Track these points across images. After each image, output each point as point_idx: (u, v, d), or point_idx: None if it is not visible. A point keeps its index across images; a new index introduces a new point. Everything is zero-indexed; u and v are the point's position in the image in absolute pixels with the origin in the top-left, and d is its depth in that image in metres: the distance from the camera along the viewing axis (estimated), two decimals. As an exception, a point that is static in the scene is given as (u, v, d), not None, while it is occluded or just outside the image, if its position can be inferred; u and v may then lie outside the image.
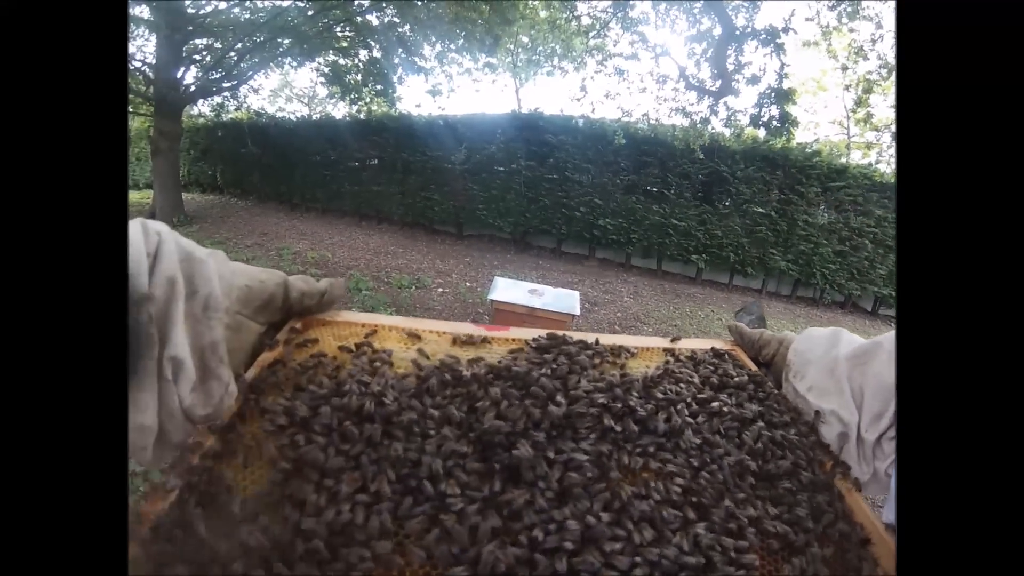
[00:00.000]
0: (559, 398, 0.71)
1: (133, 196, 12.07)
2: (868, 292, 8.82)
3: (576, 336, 0.89)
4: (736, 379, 0.86)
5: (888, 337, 0.78)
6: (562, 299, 4.43)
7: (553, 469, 0.61)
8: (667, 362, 0.90)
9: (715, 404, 0.78)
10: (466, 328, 0.90)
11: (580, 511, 0.57)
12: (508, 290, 4.46)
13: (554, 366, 0.78)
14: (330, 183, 10.93)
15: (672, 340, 0.98)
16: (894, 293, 8.63)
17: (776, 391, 0.87)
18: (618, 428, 0.69)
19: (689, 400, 0.77)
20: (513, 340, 0.89)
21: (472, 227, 9.87)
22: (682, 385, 0.82)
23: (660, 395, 0.77)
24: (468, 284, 7.01)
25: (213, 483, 0.55)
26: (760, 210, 8.61)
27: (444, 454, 0.60)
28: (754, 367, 0.95)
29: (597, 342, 0.90)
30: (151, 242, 0.59)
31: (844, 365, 0.80)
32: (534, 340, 0.87)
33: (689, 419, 0.73)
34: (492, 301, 4.29)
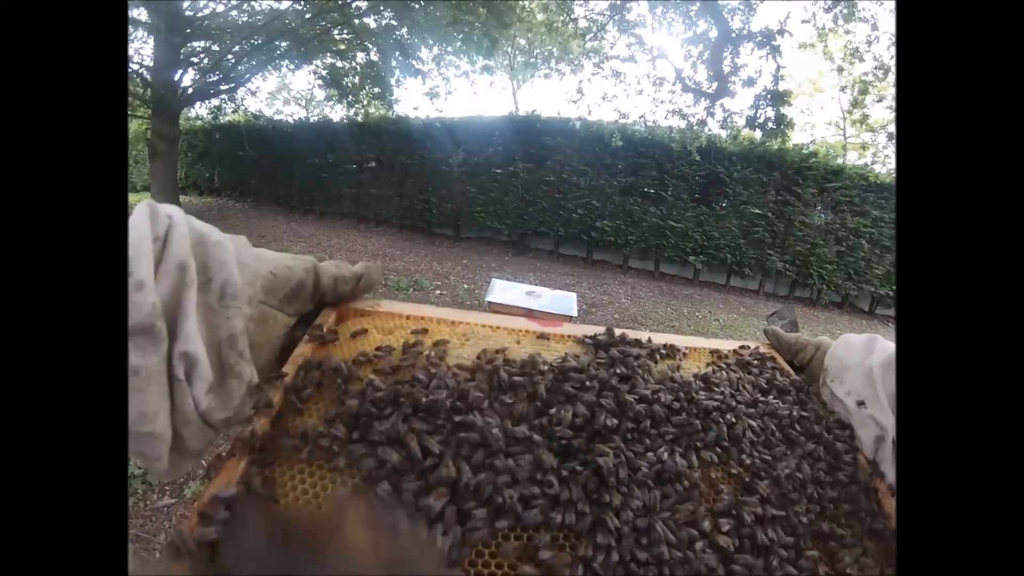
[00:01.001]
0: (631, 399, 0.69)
1: (131, 199, 12.05)
2: (865, 292, 8.85)
3: (632, 335, 0.86)
4: (780, 382, 0.87)
5: None
6: (560, 301, 4.43)
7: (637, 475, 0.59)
8: (714, 362, 0.90)
9: (772, 406, 0.79)
10: (521, 323, 0.84)
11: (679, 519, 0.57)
12: (506, 292, 4.47)
13: (622, 368, 0.75)
14: (328, 186, 10.93)
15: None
16: (891, 293, 8.67)
17: (817, 395, 0.88)
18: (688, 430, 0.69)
19: (745, 403, 0.78)
20: (569, 337, 0.84)
21: (470, 229, 9.88)
22: (741, 387, 0.82)
23: (718, 398, 0.76)
24: (466, 286, 7.02)
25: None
26: (757, 211, 8.64)
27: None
28: (791, 371, 0.95)
29: (650, 340, 0.88)
30: (159, 225, 0.53)
31: (878, 371, 0.79)
32: (590, 338, 0.83)
33: (750, 422, 0.74)
34: (489, 303, 4.29)
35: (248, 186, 12.46)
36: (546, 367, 0.70)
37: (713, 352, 0.93)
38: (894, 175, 9.03)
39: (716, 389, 0.79)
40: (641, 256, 9.24)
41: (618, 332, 0.85)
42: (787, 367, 0.96)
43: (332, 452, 0.53)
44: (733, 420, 0.72)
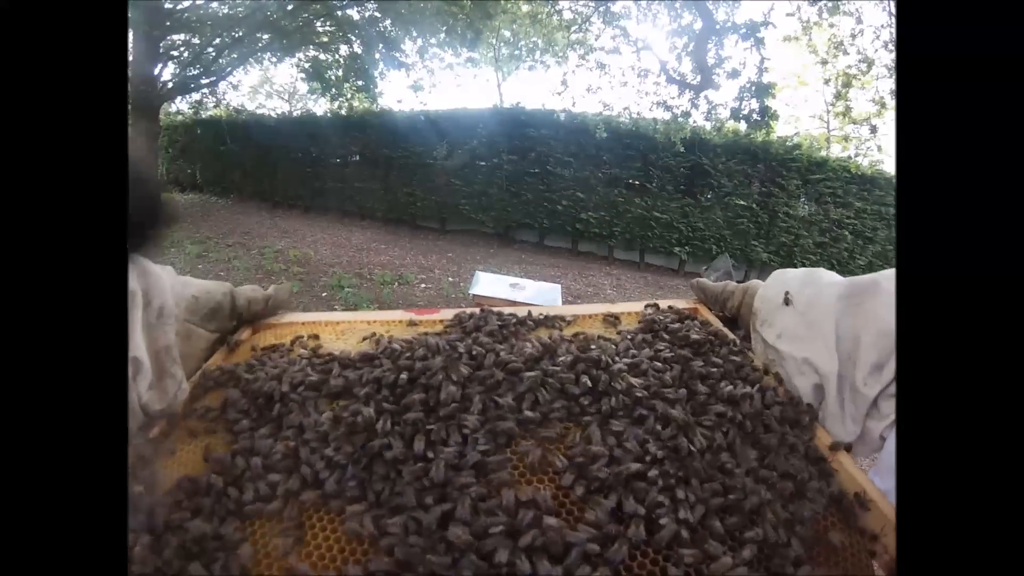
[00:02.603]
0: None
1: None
2: (848, 283, 8.92)
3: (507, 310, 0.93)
4: (695, 338, 0.83)
5: (887, 275, 0.70)
6: (544, 293, 4.43)
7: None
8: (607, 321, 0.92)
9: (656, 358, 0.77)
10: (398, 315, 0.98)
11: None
12: (490, 285, 4.46)
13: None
14: (312, 180, 10.82)
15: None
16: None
17: (740, 345, 0.84)
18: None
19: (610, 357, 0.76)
20: (439, 321, 0.94)
21: (455, 222, 9.84)
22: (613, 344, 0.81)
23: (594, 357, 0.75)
24: (451, 279, 6.98)
25: None
26: (742, 202, 8.69)
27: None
28: (719, 324, 0.92)
29: (536, 315, 0.92)
30: None
31: (833, 306, 0.73)
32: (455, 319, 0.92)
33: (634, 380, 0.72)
34: (474, 296, 4.28)
35: (231, 182, 12.30)
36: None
37: (608, 316, 0.95)
38: (876, 167, 9.13)
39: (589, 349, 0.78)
40: (626, 247, 9.25)
41: (504, 310, 0.92)
42: (713, 319, 0.94)
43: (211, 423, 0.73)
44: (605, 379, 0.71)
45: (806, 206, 8.90)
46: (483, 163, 9.30)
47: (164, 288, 0.72)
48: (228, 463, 0.63)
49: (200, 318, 0.85)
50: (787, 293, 0.78)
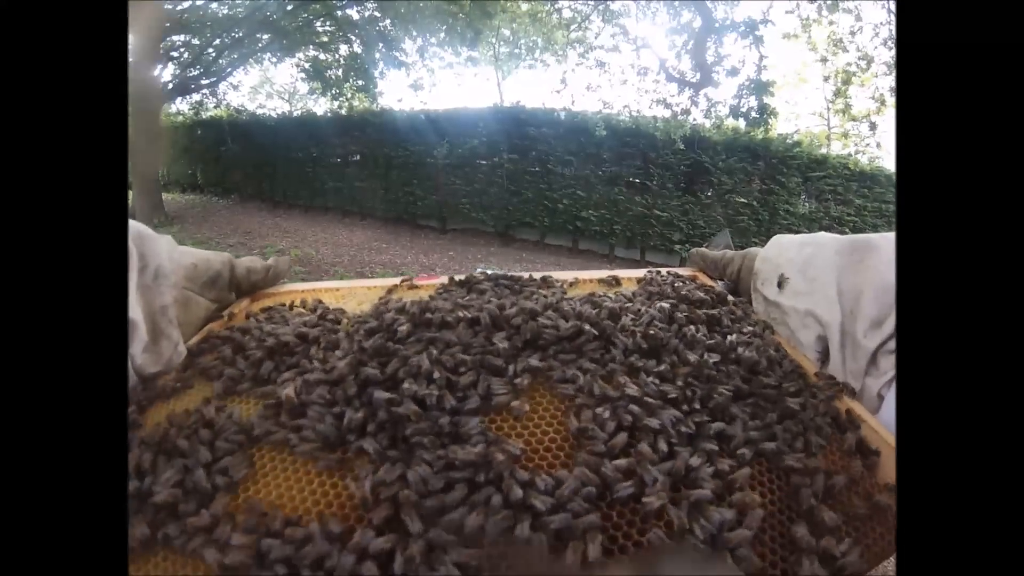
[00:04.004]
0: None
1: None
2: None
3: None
4: (697, 296, 0.84)
5: (886, 237, 0.72)
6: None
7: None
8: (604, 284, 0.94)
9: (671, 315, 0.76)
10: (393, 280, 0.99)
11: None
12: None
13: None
14: (312, 180, 10.83)
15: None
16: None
17: (738, 301, 0.85)
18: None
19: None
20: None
21: (455, 221, 9.84)
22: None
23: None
24: (452, 277, 6.98)
25: None
26: (742, 200, 8.68)
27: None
28: (719, 286, 0.93)
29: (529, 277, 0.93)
30: None
31: (834, 261, 0.74)
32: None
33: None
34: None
35: (231, 182, 12.32)
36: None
37: (605, 279, 0.97)
38: (876, 164, 9.13)
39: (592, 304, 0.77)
40: (627, 245, 9.25)
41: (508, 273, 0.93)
42: (708, 281, 0.95)
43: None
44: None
45: (807, 203, 8.90)
46: (483, 162, 9.28)
47: (160, 250, 0.73)
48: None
49: (199, 286, 0.84)
50: (782, 275, 0.79)
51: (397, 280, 0.99)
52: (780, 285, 0.80)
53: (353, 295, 0.95)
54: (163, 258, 0.73)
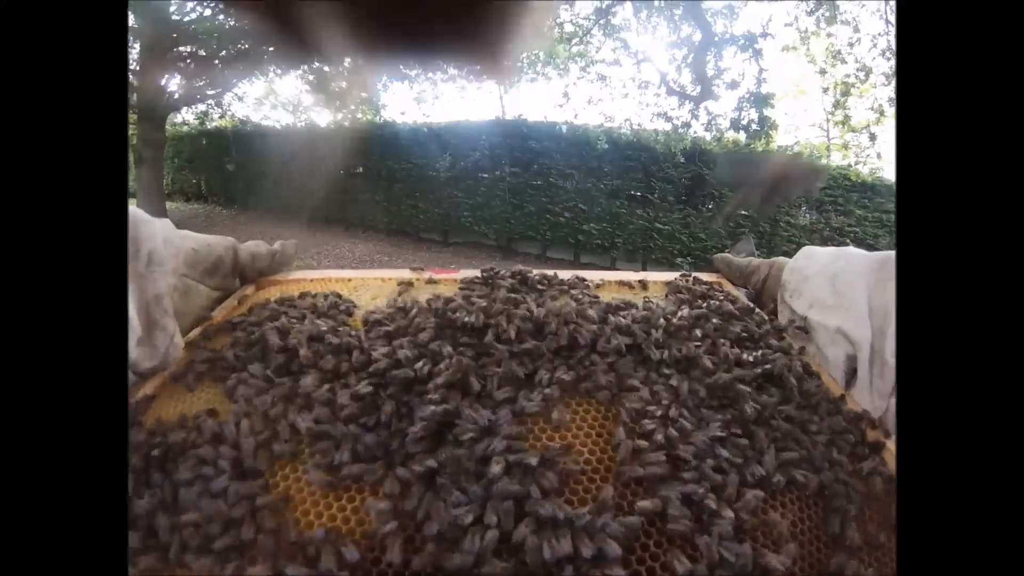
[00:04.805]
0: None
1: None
2: (849, 292, 8.88)
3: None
4: (725, 307, 0.82)
5: None
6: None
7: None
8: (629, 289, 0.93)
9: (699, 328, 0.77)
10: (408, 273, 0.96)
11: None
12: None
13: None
14: (315, 192, 10.82)
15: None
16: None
17: (764, 315, 0.82)
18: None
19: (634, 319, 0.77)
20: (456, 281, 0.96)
21: (457, 234, 9.86)
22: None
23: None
24: (454, 290, 6.99)
25: None
26: (743, 212, 8.69)
27: None
28: (743, 297, 0.91)
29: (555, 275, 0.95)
30: None
31: (865, 276, 0.71)
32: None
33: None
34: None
35: (235, 192, 12.35)
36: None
37: (630, 283, 0.97)
38: (876, 175, 9.15)
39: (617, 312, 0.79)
40: (628, 258, 9.25)
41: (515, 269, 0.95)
42: (732, 290, 0.93)
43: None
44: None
45: (807, 215, 8.90)
46: (485, 175, 9.32)
47: (154, 234, 0.66)
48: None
49: (200, 273, 0.78)
50: (805, 319, 0.78)
51: (405, 273, 0.95)
52: (802, 328, 0.78)
53: (366, 286, 0.90)
54: (157, 242, 0.66)
